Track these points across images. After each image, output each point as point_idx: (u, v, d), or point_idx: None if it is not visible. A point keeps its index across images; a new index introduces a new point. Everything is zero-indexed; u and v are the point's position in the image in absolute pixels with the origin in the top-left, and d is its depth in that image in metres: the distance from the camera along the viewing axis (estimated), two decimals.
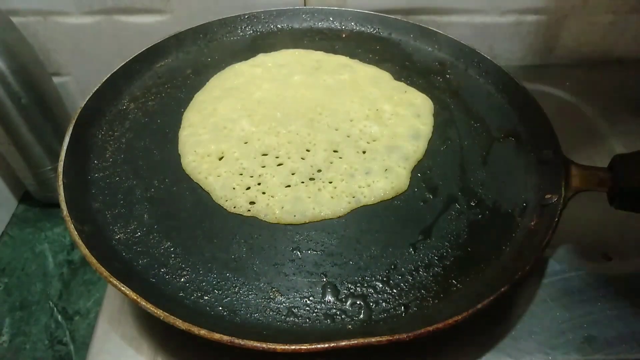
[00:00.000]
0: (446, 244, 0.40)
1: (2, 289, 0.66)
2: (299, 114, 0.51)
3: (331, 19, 0.66)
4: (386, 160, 0.46)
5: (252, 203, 0.43)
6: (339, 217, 0.42)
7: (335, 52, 0.61)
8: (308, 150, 0.47)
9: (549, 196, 0.42)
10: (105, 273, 0.34)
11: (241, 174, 0.45)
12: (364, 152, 0.47)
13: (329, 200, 0.43)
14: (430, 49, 0.62)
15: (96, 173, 0.45)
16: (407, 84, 0.56)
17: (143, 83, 0.56)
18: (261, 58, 0.59)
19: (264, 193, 0.43)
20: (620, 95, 0.67)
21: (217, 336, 0.31)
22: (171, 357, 0.38)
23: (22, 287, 0.66)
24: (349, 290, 0.37)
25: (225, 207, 0.43)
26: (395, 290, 0.37)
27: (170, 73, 0.58)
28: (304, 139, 0.48)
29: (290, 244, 0.40)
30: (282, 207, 0.42)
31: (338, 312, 0.36)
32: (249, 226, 0.41)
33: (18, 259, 0.69)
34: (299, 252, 0.40)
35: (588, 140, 0.58)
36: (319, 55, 0.60)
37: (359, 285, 0.37)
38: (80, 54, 0.73)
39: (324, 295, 0.37)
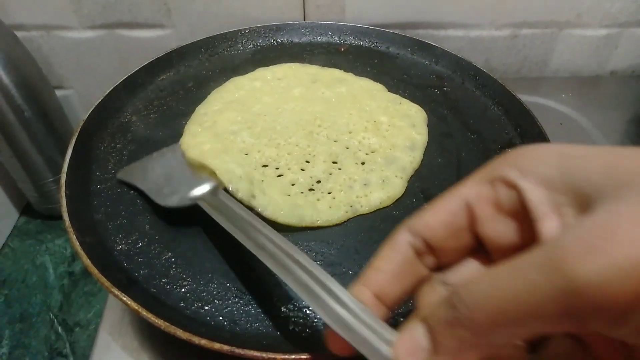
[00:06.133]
0: None
1: (2, 301, 0.66)
2: (298, 126, 0.52)
3: (330, 33, 0.67)
4: (384, 170, 0.47)
5: None
6: (337, 224, 0.43)
7: (334, 65, 0.62)
8: (308, 162, 0.48)
9: None
10: (107, 283, 0.35)
11: None
12: (362, 164, 0.48)
13: (327, 209, 0.43)
14: (427, 62, 0.63)
15: (98, 184, 0.46)
16: (405, 97, 0.57)
17: (145, 96, 0.57)
18: (260, 72, 0.60)
19: None
20: (615, 107, 0.68)
21: (217, 346, 0.31)
22: None
23: (22, 299, 0.66)
24: None
25: None
26: None
27: (171, 86, 0.59)
28: (304, 150, 0.49)
29: None
30: (281, 212, 0.43)
31: None
32: None
33: (19, 270, 0.70)
34: None
35: None
36: (314, 69, 0.61)
37: None
38: (82, 67, 0.74)
39: None
